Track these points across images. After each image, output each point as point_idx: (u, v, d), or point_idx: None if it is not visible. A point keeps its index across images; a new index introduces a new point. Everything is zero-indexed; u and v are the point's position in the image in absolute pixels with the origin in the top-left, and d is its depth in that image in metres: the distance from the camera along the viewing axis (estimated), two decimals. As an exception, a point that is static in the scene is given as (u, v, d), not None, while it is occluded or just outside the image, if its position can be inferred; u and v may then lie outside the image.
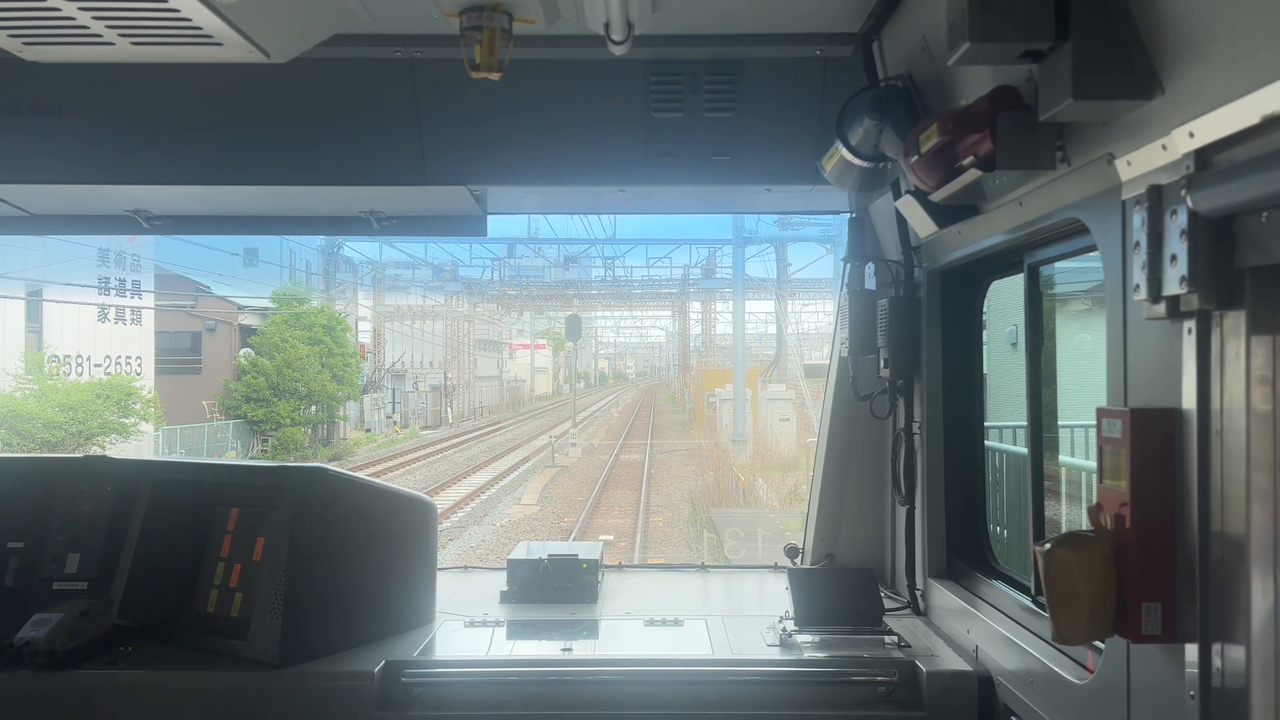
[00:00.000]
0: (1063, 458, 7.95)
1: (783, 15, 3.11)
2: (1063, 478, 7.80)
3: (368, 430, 40.69)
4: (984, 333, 3.58)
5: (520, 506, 22.95)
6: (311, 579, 3.12)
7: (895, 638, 3.17)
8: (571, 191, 3.71)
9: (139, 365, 31.17)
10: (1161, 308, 1.83)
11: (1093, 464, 3.08)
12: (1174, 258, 1.77)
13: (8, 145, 3.35)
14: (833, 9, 3.04)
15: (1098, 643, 2.22)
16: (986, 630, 2.93)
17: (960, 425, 3.45)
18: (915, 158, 2.55)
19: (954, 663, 2.99)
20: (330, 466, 3.41)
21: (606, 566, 4.05)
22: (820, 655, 3.08)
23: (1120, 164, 1.97)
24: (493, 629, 3.38)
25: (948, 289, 3.43)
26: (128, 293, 31.09)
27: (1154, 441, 1.89)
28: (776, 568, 4.15)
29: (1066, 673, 2.39)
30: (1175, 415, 1.87)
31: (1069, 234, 2.52)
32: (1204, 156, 1.72)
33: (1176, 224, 1.75)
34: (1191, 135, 1.72)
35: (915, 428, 3.52)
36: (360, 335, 42.83)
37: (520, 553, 3.82)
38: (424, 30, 3.15)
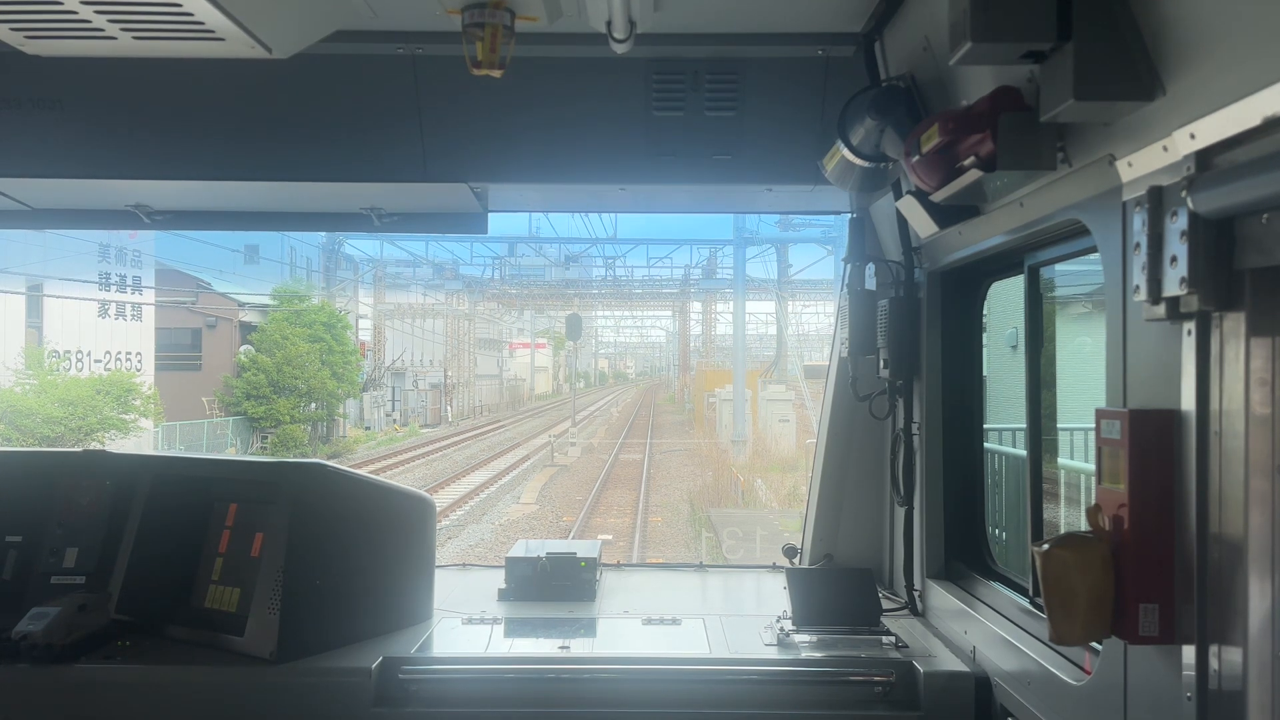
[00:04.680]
0: (1062, 460, 7.94)
1: (784, 15, 3.11)
2: (1061, 480, 7.80)
3: (367, 428, 40.69)
4: (984, 334, 3.58)
5: (519, 505, 22.95)
6: (309, 575, 3.12)
7: (893, 638, 3.17)
8: (572, 190, 3.71)
9: (139, 361, 31.18)
10: (1161, 309, 1.83)
11: (1091, 467, 3.08)
12: (1174, 259, 1.77)
13: (8, 139, 3.35)
14: (835, 9, 3.04)
15: (1095, 644, 2.22)
16: (984, 631, 2.93)
17: (959, 426, 3.45)
18: (916, 158, 2.55)
19: (951, 663, 2.99)
20: (329, 463, 3.41)
21: (605, 565, 4.05)
22: (818, 655, 3.08)
23: (1121, 165, 1.97)
24: (491, 626, 3.39)
25: (948, 290, 3.43)
26: (128, 289, 31.09)
27: (1153, 443, 1.89)
28: (775, 567, 4.15)
29: (1064, 674, 2.39)
30: (1174, 416, 1.87)
31: (1069, 235, 2.52)
32: (1205, 158, 1.72)
33: (1177, 225, 1.75)
34: (1192, 137, 1.72)
35: (914, 428, 3.52)
36: (360, 333, 42.83)
37: (519, 551, 3.82)
38: (426, 27, 3.15)
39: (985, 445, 3.56)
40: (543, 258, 46.64)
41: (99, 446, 4.87)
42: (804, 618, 3.28)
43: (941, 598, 3.31)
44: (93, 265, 28.88)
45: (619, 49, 2.76)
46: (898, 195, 3.21)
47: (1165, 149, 1.82)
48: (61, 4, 2.34)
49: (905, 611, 3.55)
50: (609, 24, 2.67)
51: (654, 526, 20.34)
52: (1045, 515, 3.04)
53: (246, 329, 36.06)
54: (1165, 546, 1.89)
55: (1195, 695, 1.80)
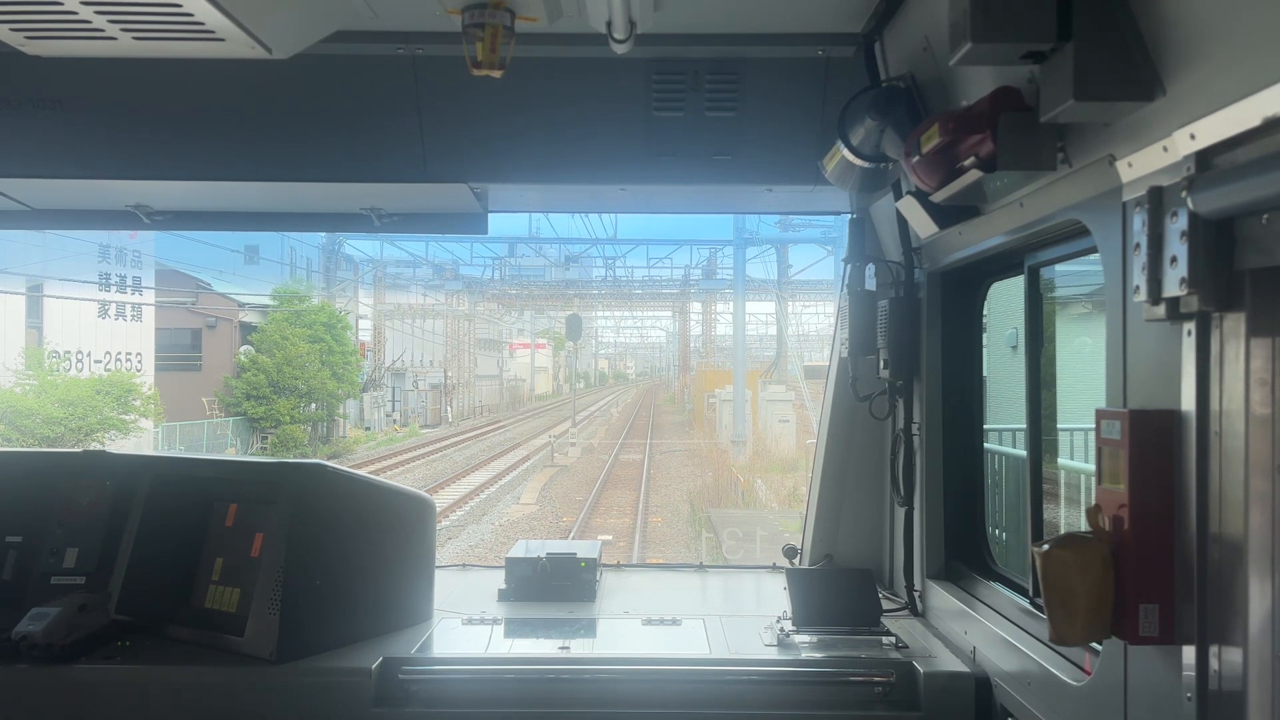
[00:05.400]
0: (1062, 460, 7.94)
1: (785, 15, 3.11)
2: (1061, 480, 7.80)
3: (367, 428, 40.69)
4: (984, 334, 3.58)
5: (519, 506, 22.95)
6: (309, 575, 3.12)
7: (893, 638, 3.17)
8: (572, 190, 3.71)
9: (139, 362, 31.18)
10: (1161, 309, 1.83)
11: (1091, 467, 3.08)
12: (1174, 259, 1.77)
13: (8, 139, 3.35)
14: (835, 9, 3.04)
15: (1095, 644, 2.22)
16: (984, 631, 2.93)
17: (959, 427, 3.45)
18: (916, 158, 2.55)
19: (951, 664, 2.99)
20: (329, 463, 3.41)
21: (605, 565, 4.05)
22: (818, 655, 3.08)
23: (1121, 165, 1.97)
24: (491, 627, 3.39)
25: (948, 290, 3.43)
26: (128, 289, 31.09)
27: (1153, 443, 1.89)
28: (775, 568, 4.15)
29: (1064, 674, 2.39)
30: (1174, 417, 1.87)
31: (1069, 235, 2.52)
32: (1205, 158, 1.72)
33: (1177, 225, 1.75)
34: (1192, 137, 1.72)
35: (914, 429, 3.52)
36: (360, 333, 42.83)
37: (519, 551, 3.82)
38: (426, 27, 3.16)
39: (985, 445, 3.57)
40: (543, 258, 46.66)
41: (99, 447, 4.87)
42: (804, 618, 3.28)
43: (941, 598, 3.31)
44: (93, 265, 28.89)
45: (619, 49, 2.76)
46: (898, 195, 3.21)
47: (1165, 149, 1.82)
48: (61, 4, 2.34)
49: (905, 612, 3.55)
50: (609, 24, 2.67)
51: (654, 527, 20.33)
52: (1045, 516, 3.04)
53: (246, 329, 36.05)
54: (1165, 547, 1.89)
55: (1195, 695, 1.80)
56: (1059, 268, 2.90)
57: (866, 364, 3.72)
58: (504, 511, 22.23)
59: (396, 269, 46.43)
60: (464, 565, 4.27)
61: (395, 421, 45.44)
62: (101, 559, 3.40)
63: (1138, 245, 1.87)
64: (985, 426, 3.54)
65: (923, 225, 3.10)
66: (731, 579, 4.15)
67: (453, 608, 3.58)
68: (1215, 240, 1.70)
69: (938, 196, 2.65)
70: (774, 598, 3.66)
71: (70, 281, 27.17)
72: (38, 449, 7.08)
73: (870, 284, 3.71)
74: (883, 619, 3.31)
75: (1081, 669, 2.40)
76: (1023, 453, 5.30)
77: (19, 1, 2.34)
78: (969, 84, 2.53)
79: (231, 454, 27.73)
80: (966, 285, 3.42)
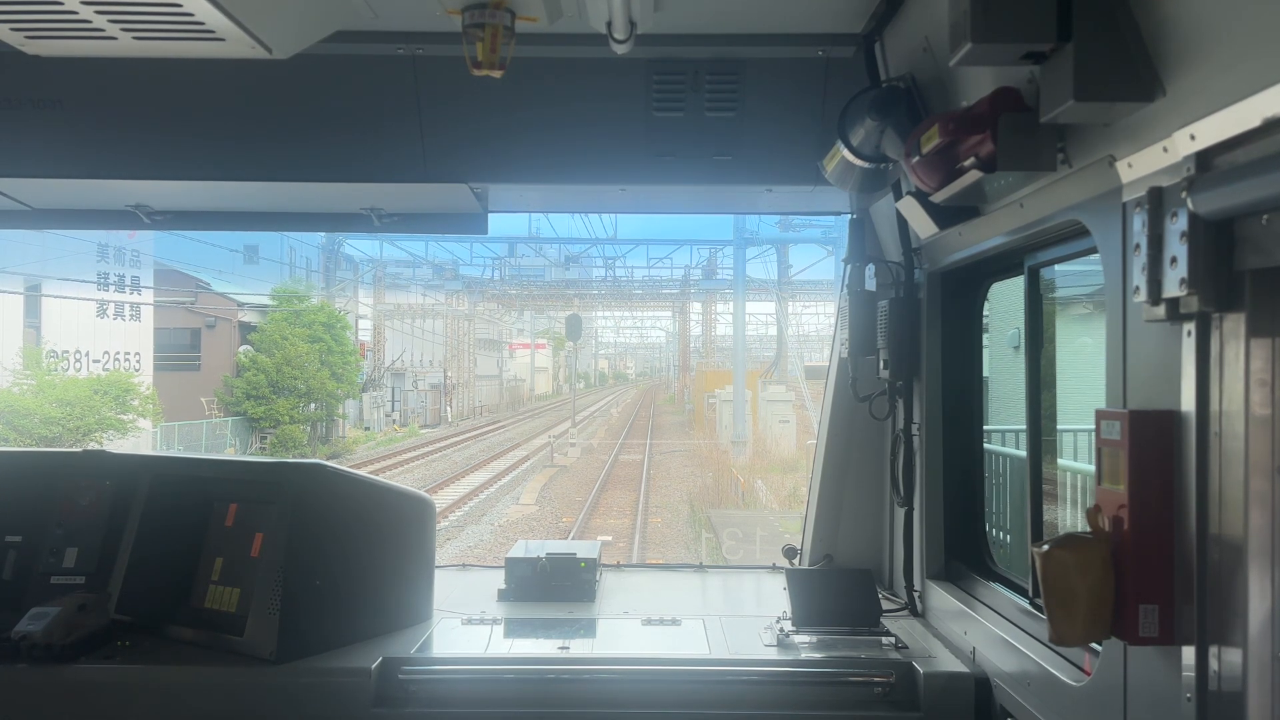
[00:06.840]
0: (1062, 461, 7.95)
1: (785, 15, 3.12)
2: (1064, 482, 7.80)
3: (367, 428, 40.68)
4: (984, 335, 3.58)
5: (519, 506, 22.94)
6: (309, 575, 3.12)
7: (893, 639, 3.17)
8: (572, 190, 3.71)
9: (138, 361, 31.15)
10: (1161, 310, 1.83)
11: (1091, 468, 3.09)
12: (1174, 260, 1.77)
13: (8, 139, 3.35)
14: (835, 9, 3.04)
15: (1095, 644, 2.22)
16: (984, 632, 2.93)
17: (959, 427, 3.45)
18: (916, 158, 2.55)
19: (951, 664, 2.99)
20: (328, 463, 3.41)
21: (605, 565, 4.05)
22: (817, 656, 3.08)
23: (1121, 166, 1.98)
24: (490, 627, 3.39)
25: (948, 290, 3.43)
26: (127, 289, 31.07)
27: (1153, 443, 1.89)
28: (774, 568, 4.15)
29: (1063, 674, 2.39)
30: (1174, 417, 1.87)
31: (1069, 236, 2.52)
32: (1205, 159, 1.72)
33: (1177, 226, 1.76)
34: (1192, 138, 1.73)
35: (914, 429, 3.52)
36: (360, 333, 42.82)
37: (518, 551, 3.82)
38: (426, 27, 3.16)
39: (986, 446, 3.57)
40: (542, 258, 46.68)
41: (98, 447, 4.88)
42: (804, 618, 3.28)
43: (941, 598, 3.31)
44: (91, 265, 28.86)
45: (619, 49, 2.76)
46: (898, 196, 3.21)
47: (1165, 150, 1.82)
48: (61, 4, 2.34)
49: (905, 612, 3.55)
50: (609, 24, 2.67)
51: (654, 527, 20.33)
52: (1045, 517, 3.04)
53: (246, 329, 36.03)
54: (1165, 547, 1.89)
55: (1195, 696, 1.80)
56: (1059, 268, 2.91)
57: (866, 364, 3.72)
58: (503, 512, 22.23)
59: (396, 269, 46.45)
60: (464, 565, 4.28)
61: (395, 422, 45.43)
62: (101, 559, 3.40)
63: (1138, 246, 1.87)
64: (985, 427, 3.54)
65: (923, 225, 3.10)
66: (731, 579, 4.15)
67: (452, 608, 3.58)
68: (1215, 241, 1.71)
69: (938, 197, 2.65)
70: (774, 598, 3.66)
71: (69, 281, 27.14)
72: (37, 449, 7.09)
73: (870, 284, 3.71)
74: (882, 619, 3.31)
75: (1081, 669, 2.40)
76: (1023, 454, 5.30)
77: (19, 1, 2.34)
78: (969, 84, 2.53)
79: (231, 454, 27.70)
80: (966, 285, 3.42)
